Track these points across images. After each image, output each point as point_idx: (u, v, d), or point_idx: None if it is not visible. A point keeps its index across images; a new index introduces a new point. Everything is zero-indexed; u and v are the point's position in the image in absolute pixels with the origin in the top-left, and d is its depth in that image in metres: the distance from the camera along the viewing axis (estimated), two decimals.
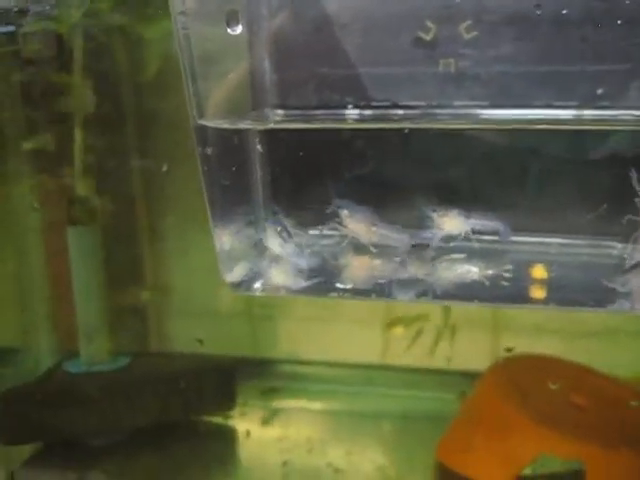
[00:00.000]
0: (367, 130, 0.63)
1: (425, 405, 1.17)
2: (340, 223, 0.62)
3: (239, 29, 0.56)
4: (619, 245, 0.59)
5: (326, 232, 0.64)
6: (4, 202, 1.21)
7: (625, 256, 0.58)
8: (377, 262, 0.63)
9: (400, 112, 0.59)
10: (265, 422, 1.17)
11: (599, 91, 0.56)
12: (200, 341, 1.13)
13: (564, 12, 0.53)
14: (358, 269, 0.63)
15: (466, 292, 0.61)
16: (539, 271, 0.61)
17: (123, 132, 1.19)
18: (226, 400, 1.16)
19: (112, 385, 1.12)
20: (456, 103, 0.59)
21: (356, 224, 0.62)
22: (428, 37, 0.57)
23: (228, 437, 1.15)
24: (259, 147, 0.63)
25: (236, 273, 0.64)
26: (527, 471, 0.92)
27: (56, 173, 1.15)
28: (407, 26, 0.57)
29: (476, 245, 0.61)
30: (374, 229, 0.62)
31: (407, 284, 0.61)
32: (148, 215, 1.24)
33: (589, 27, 0.53)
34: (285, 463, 1.06)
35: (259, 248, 0.66)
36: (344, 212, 0.62)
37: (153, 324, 1.29)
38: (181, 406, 1.13)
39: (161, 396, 1.12)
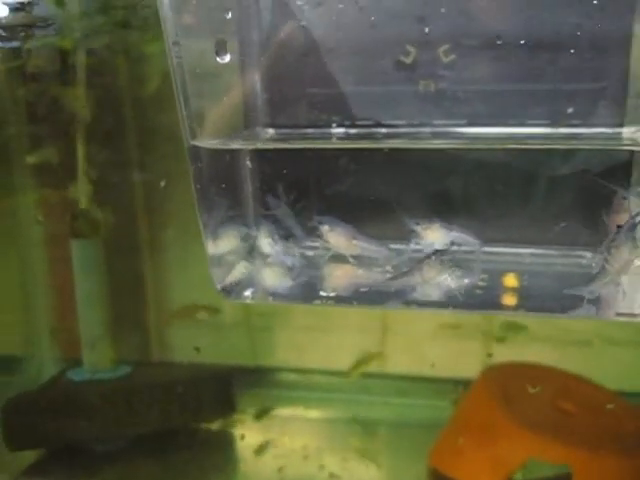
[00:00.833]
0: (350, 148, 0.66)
1: (419, 412, 1.18)
2: (321, 237, 0.65)
3: (227, 58, 0.60)
4: (589, 255, 0.63)
5: (310, 244, 0.67)
6: (9, 215, 1.22)
7: (593, 265, 0.61)
8: (359, 272, 0.66)
9: (383, 130, 0.63)
10: (262, 429, 1.18)
11: (569, 110, 0.59)
12: (197, 349, 1.15)
13: (522, 42, 0.56)
14: (340, 278, 0.66)
15: (442, 300, 0.64)
16: (511, 280, 0.64)
17: (124, 146, 1.20)
18: (225, 408, 1.18)
19: (114, 393, 1.13)
20: (435, 122, 0.62)
21: (337, 238, 0.65)
22: (408, 60, 0.60)
23: (226, 444, 1.17)
24: (249, 163, 0.67)
25: (228, 282, 0.67)
26: (517, 476, 0.94)
27: (59, 187, 1.16)
28: (389, 50, 0.60)
29: (454, 256, 0.64)
30: (355, 242, 0.66)
31: (388, 292, 0.64)
32: (149, 228, 1.26)
33: (557, 51, 0.56)
34: (281, 469, 1.07)
35: (250, 257, 0.69)
36: (324, 227, 0.65)
37: (154, 334, 1.30)
38: (181, 414, 1.14)
39: (161, 404, 1.13)
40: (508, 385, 1.02)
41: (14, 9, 0.95)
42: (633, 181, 0.60)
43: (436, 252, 0.64)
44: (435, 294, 0.64)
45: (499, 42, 0.57)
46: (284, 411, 1.23)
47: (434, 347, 1.15)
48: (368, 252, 0.66)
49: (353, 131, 0.64)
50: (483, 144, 0.65)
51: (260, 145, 0.65)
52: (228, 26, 0.60)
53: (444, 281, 0.63)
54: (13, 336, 1.28)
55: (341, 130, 0.64)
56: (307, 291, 0.66)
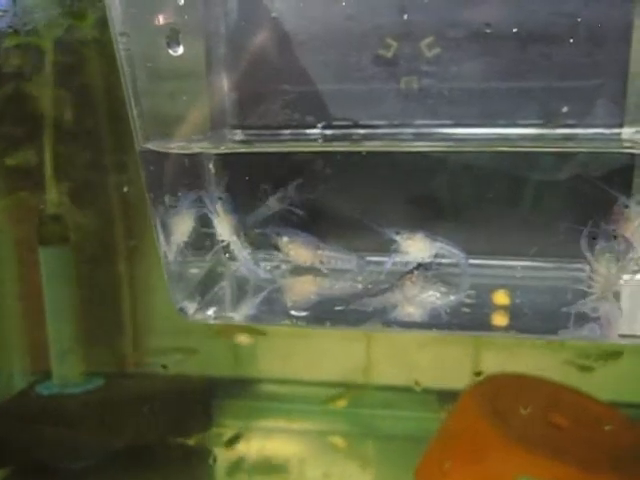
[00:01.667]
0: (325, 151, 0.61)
1: (405, 424, 1.16)
2: (279, 249, 0.60)
3: (180, 50, 0.55)
4: (588, 268, 0.58)
5: (270, 254, 0.62)
6: None
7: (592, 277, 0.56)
8: (328, 285, 0.61)
9: (361, 131, 0.58)
10: (243, 442, 1.14)
11: (564, 109, 0.54)
12: (164, 366, 1.11)
13: (513, 32, 0.52)
14: (307, 293, 0.61)
15: (425, 320, 0.59)
16: (502, 297, 0.59)
17: (100, 148, 1.17)
18: (202, 421, 1.15)
19: (85, 407, 1.10)
20: (418, 122, 0.58)
21: (297, 249, 0.60)
22: (388, 54, 0.55)
23: (204, 458, 1.13)
24: (212, 167, 0.61)
25: (188, 301, 0.61)
26: None
27: (27, 192, 1.13)
28: (367, 43, 0.56)
29: (438, 270, 0.59)
30: (320, 252, 0.61)
31: (366, 312, 0.59)
32: (126, 234, 1.23)
33: (551, 44, 0.52)
34: None
35: (212, 275, 0.64)
36: (283, 239, 0.60)
37: (129, 344, 1.27)
38: (156, 428, 1.11)
39: (136, 418, 1.10)
40: (496, 398, 0.99)
41: None
42: (635, 188, 0.56)
43: (419, 266, 0.59)
44: (418, 313, 0.58)
45: (488, 31, 0.52)
46: (266, 423, 1.20)
47: (421, 356, 1.12)
48: (336, 262, 0.61)
49: (329, 132, 0.59)
50: (470, 146, 0.60)
51: (224, 149, 0.60)
52: (181, 13, 0.54)
53: (428, 298, 0.58)
54: None
55: (316, 131, 0.59)
56: (275, 310, 0.61)
